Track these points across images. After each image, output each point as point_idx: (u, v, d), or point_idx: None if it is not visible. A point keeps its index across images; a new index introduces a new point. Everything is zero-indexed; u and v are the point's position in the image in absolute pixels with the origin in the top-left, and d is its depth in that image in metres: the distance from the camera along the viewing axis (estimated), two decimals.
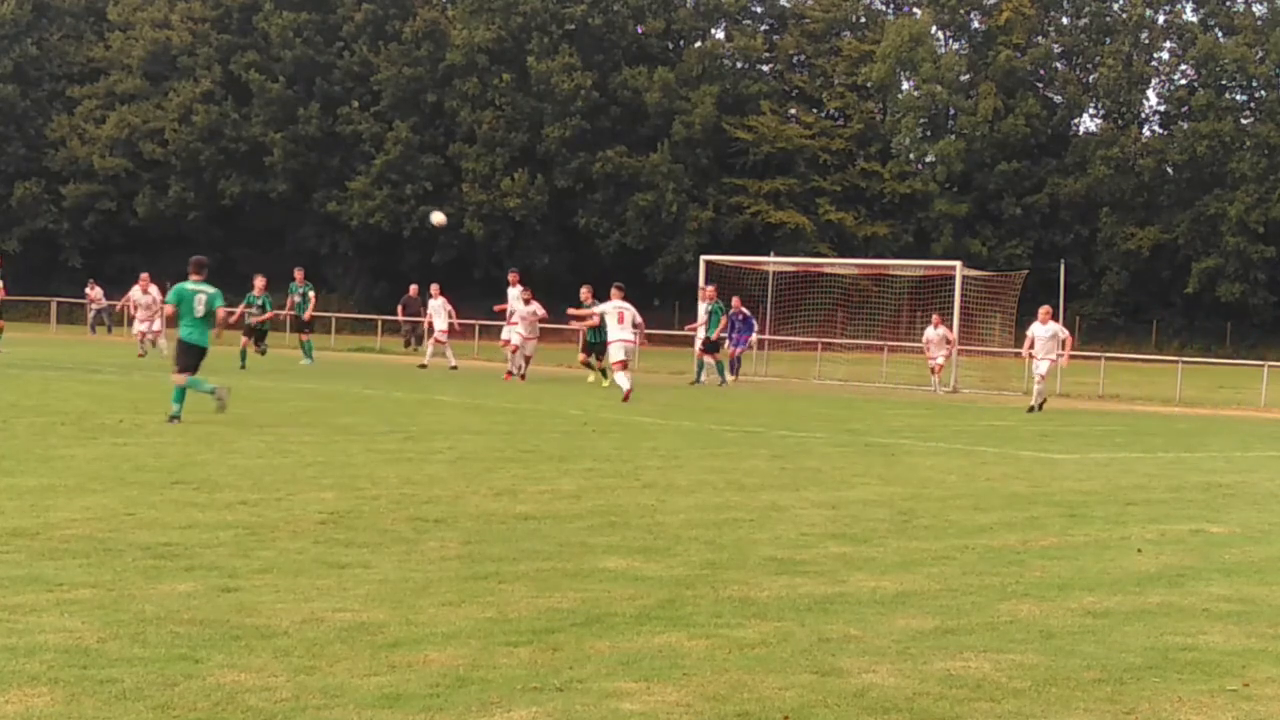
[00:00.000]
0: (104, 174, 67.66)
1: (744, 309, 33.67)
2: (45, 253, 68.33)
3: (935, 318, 33.54)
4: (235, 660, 6.09)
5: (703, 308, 32.14)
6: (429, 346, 35.29)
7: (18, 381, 22.82)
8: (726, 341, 32.84)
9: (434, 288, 35.80)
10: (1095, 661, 6.65)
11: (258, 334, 31.71)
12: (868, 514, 11.27)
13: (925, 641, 6.92)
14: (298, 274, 34.71)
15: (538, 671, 6.09)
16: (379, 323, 48.38)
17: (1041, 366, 26.27)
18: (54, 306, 54.14)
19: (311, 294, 34.23)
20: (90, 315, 52.52)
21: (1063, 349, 26.87)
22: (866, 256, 56.11)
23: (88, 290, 53.03)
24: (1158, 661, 6.70)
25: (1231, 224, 63.02)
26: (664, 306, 62.36)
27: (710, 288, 33.05)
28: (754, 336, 34.27)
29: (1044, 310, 26.82)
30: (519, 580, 8.02)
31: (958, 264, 34.93)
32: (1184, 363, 35.74)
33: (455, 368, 33.28)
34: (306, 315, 33.83)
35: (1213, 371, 42.62)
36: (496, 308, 33.08)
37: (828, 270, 41.69)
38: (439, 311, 34.68)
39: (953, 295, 33.70)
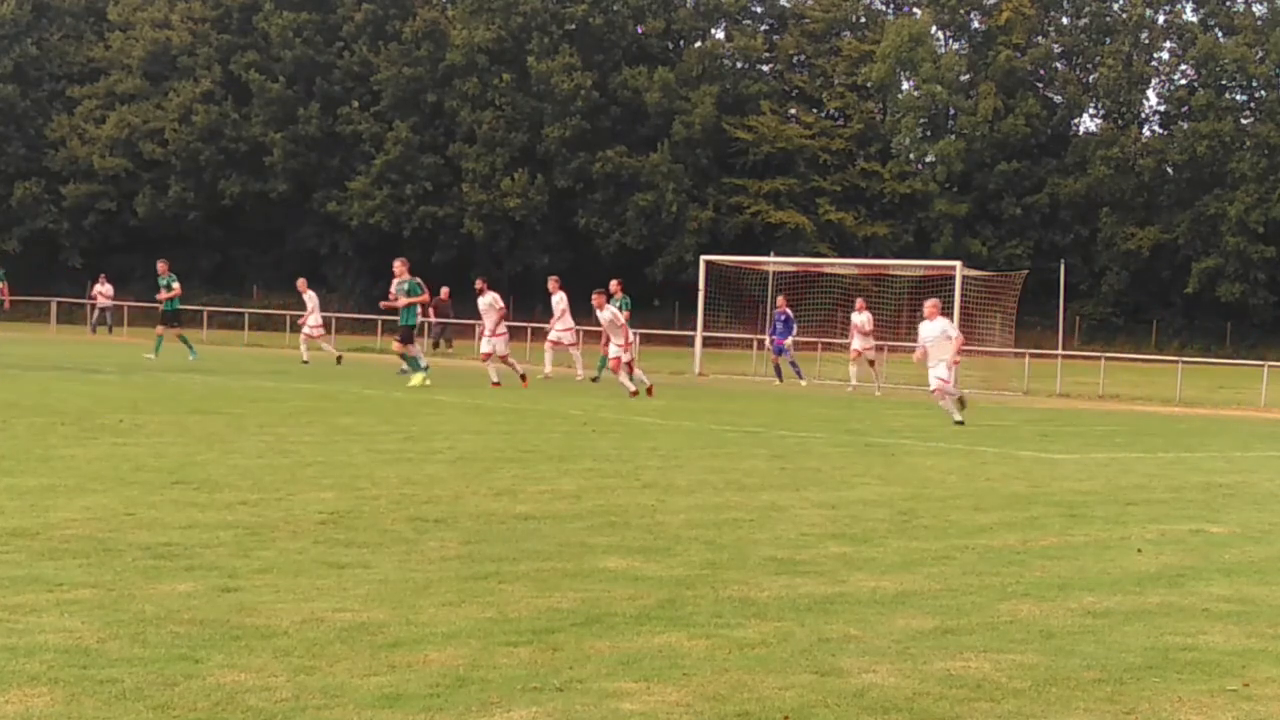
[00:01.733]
0: (104, 174, 67.62)
1: (787, 309, 33.72)
2: (45, 253, 68.32)
3: (859, 302, 32.99)
4: (235, 660, 6.09)
5: (556, 300, 31.49)
6: (303, 343, 34.94)
7: (18, 381, 22.81)
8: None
9: (301, 282, 35.45)
10: (1095, 661, 6.65)
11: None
12: (868, 514, 11.27)
13: (925, 641, 6.92)
14: (161, 265, 33.23)
15: (538, 671, 6.09)
16: (379, 323, 48.26)
17: (939, 370, 21.28)
18: (54, 306, 54.12)
19: (175, 285, 32.42)
20: (94, 314, 52.54)
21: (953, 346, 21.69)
22: (866, 256, 56.03)
23: (98, 287, 52.92)
24: (1158, 661, 6.70)
25: (1231, 224, 63.00)
26: (664, 307, 62.37)
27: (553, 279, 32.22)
28: (790, 340, 34.15)
29: (930, 304, 22.02)
30: (519, 580, 8.02)
31: (958, 264, 34.91)
32: (1184, 363, 35.71)
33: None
34: (160, 297, 32.47)
35: (1213, 371, 42.59)
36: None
37: (828, 270, 41.66)
38: (314, 306, 34.58)
39: (953, 295, 33.68)
